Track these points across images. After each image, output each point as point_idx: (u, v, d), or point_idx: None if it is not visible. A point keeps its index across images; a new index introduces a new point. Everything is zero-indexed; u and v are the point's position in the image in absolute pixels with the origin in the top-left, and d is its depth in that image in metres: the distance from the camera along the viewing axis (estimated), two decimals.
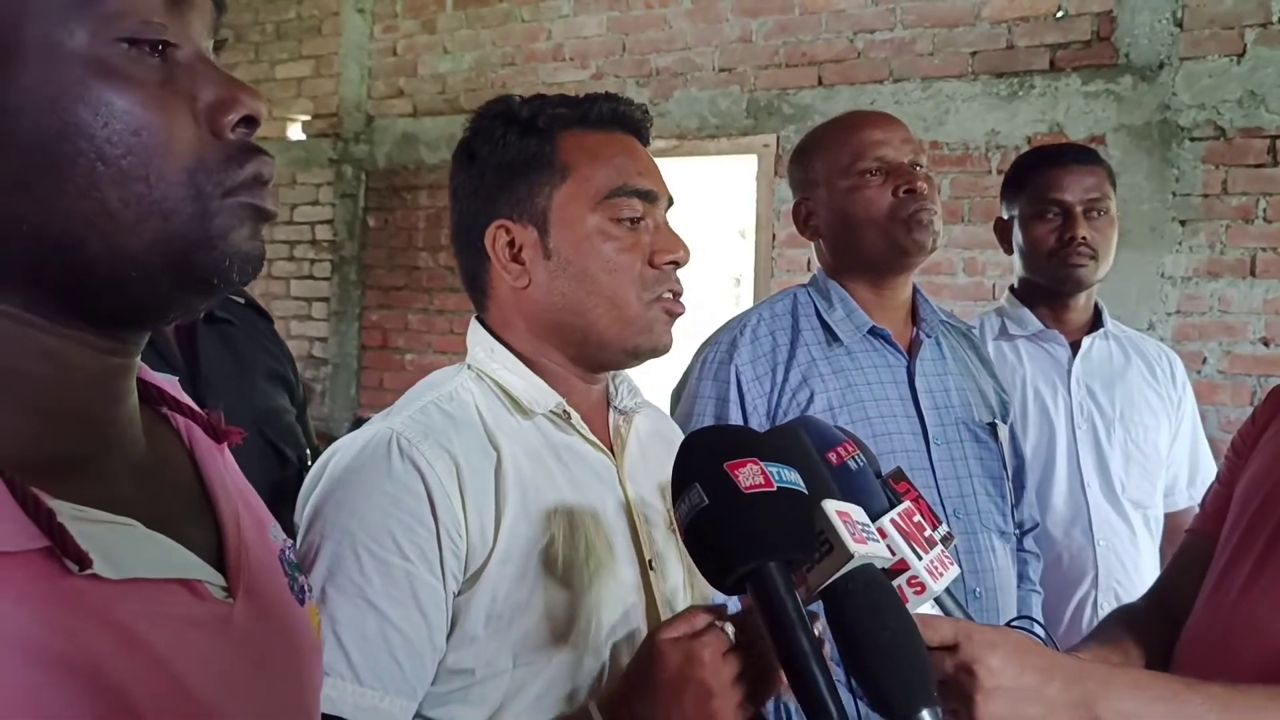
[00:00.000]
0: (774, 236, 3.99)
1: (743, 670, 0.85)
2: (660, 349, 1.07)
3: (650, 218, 1.06)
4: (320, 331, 5.01)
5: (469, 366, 1.09)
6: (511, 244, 1.05)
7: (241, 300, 1.51)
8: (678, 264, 1.06)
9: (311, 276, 5.05)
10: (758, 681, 0.87)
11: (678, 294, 1.07)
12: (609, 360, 1.08)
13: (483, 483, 0.97)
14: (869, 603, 0.79)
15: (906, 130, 1.62)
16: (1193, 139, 3.38)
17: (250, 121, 0.58)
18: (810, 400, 1.52)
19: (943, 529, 0.96)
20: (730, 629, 0.86)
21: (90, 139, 0.52)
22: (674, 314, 1.07)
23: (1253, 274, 3.31)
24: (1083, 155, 2.04)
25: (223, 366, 1.37)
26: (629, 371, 1.16)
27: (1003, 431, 1.66)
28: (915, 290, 1.67)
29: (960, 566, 1.47)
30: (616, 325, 1.04)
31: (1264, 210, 3.29)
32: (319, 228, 5.03)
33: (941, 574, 0.91)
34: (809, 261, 3.78)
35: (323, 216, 5.02)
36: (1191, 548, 1.20)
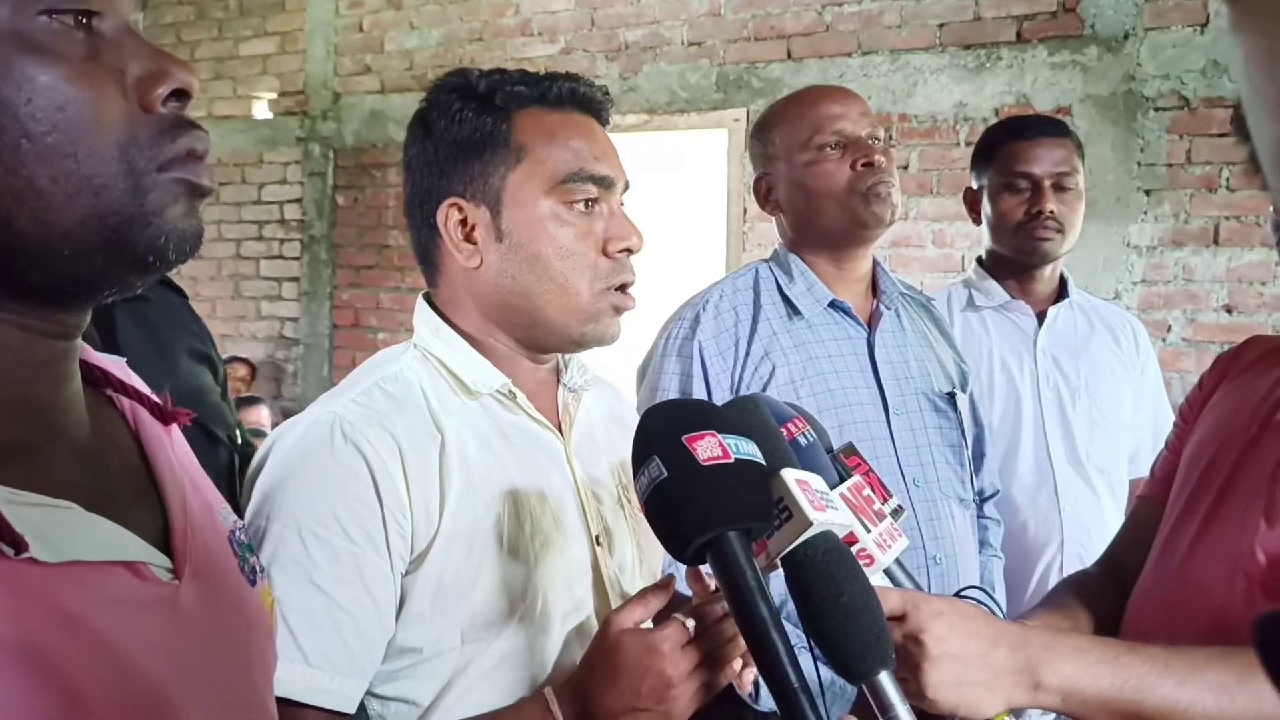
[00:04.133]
0: (745, 211, 4.00)
1: (700, 660, 0.87)
2: (607, 340, 1.07)
3: (605, 203, 1.06)
4: (291, 311, 4.98)
5: (414, 346, 1.09)
6: (464, 223, 1.05)
7: None
8: (631, 251, 1.06)
9: (281, 256, 5.02)
10: (714, 670, 0.89)
11: (628, 285, 1.07)
12: (555, 345, 1.09)
13: (427, 464, 0.98)
14: (828, 568, 0.80)
15: (864, 104, 1.63)
16: (1157, 109, 3.40)
17: (182, 95, 0.58)
18: (772, 373, 1.53)
19: (893, 502, 0.97)
20: (691, 622, 0.88)
21: (14, 115, 0.52)
22: (622, 309, 1.07)
23: (1216, 242, 3.35)
24: (1052, 128, 2.05)
25: (144, 347, 1.34)
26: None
27: (962, 401, 1.68)
28: (875, 263, 1.69)
29: (920, 534, 1.51)
30: (564, 313, 1.04)
31: (1227, 179, 3.33)
32: (288, 207, 4.99)
33: (890, 546, 0.92)
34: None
35: (291, 195, 4.98)
36: (1140, 513, 1.22)
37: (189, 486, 0.66)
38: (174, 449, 0.69)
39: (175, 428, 0.70)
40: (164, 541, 0.61)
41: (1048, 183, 1.96)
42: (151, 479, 0.64)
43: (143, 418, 0.67)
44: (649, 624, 0.93)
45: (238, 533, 0.70)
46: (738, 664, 0.93)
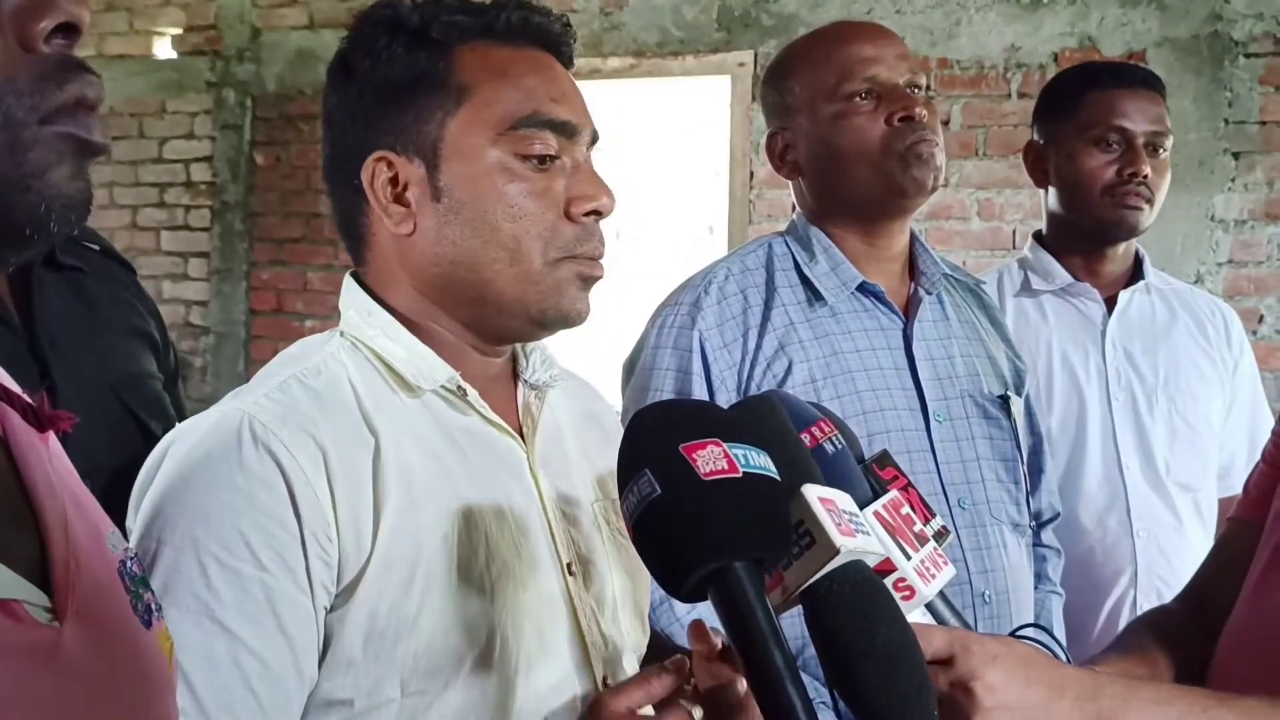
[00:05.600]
0: (751, 175, 4.00)
1: None
2: (573, 318, 1.07)
3: (567, 155, 1.05)
4: (199, 293, 4.95)
5: (341, 333, 1.08)
6: (394, 181, 1.04)
7: (96, 247, 1.49)
8: (600, 214, 1.05)
9: (187, 226, 4.99)
10: None
11: (596, 255, 1.06)
12: (510, 329, 1.08)
13: (357, 475, 0.97)
14: (858, 605, 0.81)
15: (903, 45, 1.63)
16: (1249, 55, 3.42)
17: (70, 30, 0.57)
18: (788, 371, 1.53)
19: (936, 523, 0.98)
20: (698, 712, 0.87)
21: None
22: (589, 279, 1.06)
23: None
24: (1151, 79, 2.08)
25: (70, 321, 1.36)
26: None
27: (1016, 405, 1.69)
28: (913, 238, 1.69)
29: (966, 566, 1.52)
30: (518, 285, 1.03)
31: None
32: (195, 166, 4.96)
33: (934, 576, 0.93)
34: (794, 205, 3.79)
35: (200, 153, 4.95)
36: (1232, 538, 1.23)
37: (71, 507, 0.66)
38: (52, 461, 0.68)
39: (53, 437, 0.69)
40: (41, 574, 0.60)
41: (1141, 141, 1.99)
42: (25, 497, 0.63)
43: (13, 422, 0.66)
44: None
45: (129, 563, 0.69)
46: None
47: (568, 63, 1.11)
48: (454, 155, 1.03)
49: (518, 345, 1.14)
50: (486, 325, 1.08)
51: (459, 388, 1.05)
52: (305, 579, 0.94)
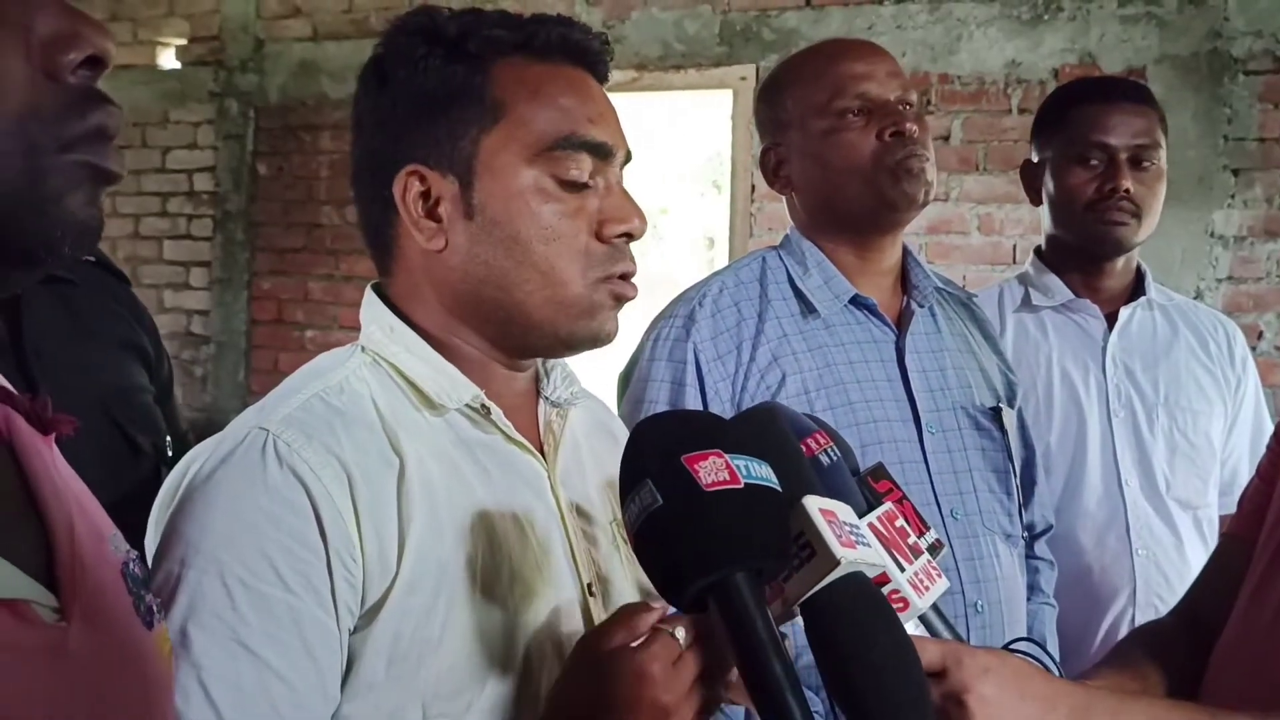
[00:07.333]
0: (753, 188, 4.01)
1: (698, 675, 0.85)
2: (603, 338, 1.07)
3: (601, 177, 1.05)
4: (200, 303, 4.96)
5: (363, 349, 1.07)
6: (426, 195, 1.04)
7: (90, 258, 1.49)
8: (631, 236, 1.05)
9: (189, 236, 5.00)
10: (715, 683, 0.87)
11: (628, 275, 1.06)
12: (538, 347, 1.08)
13: (382, 495, 0.96)
14: (858, 617, 0.81)
15: (893, 62, 1.64)
16: (1248, 72, 3.43)
17: (95, 62, 0.58)
18: (782, 383, 1.54)
19: (930, 535, 0.99)
20: (680, 632, 0.86)
21: None
22: (623, 299, 1.06)
23: None
24: (1135, 92, 2.08)
25: (57, 333, 1.35)
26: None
27: (1009, 417, 1.69)
28: (905, 252, 1.70)
29: (959, 576, 1.52)
30: (550, 306, 1.03)
31: None
32: (198, 176, 4.97)
33: (928, 588, 0.93)
34: None
35: (202, 162, 4.96)
36: (1226, 553, 1.24)
37: (75, 509, 0.66)
38: (55, 463, 0.68)
39: (54, 438, 0.69)
40: (47, 574, 0.60)
41: (1124, 156, 1.98)
42: (30, 499, 0.64)
43: (17, 425, 0.67)
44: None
45: (131, 565, 0.70)
46: None
47: (603, 79, 1.10)
48: (488, 172, 1.03)
49: (539, 361, 1.13)
50: (512, 343, 1.07)
51: (483, 406, 1.04)
52: (330, 600, 0.93)
